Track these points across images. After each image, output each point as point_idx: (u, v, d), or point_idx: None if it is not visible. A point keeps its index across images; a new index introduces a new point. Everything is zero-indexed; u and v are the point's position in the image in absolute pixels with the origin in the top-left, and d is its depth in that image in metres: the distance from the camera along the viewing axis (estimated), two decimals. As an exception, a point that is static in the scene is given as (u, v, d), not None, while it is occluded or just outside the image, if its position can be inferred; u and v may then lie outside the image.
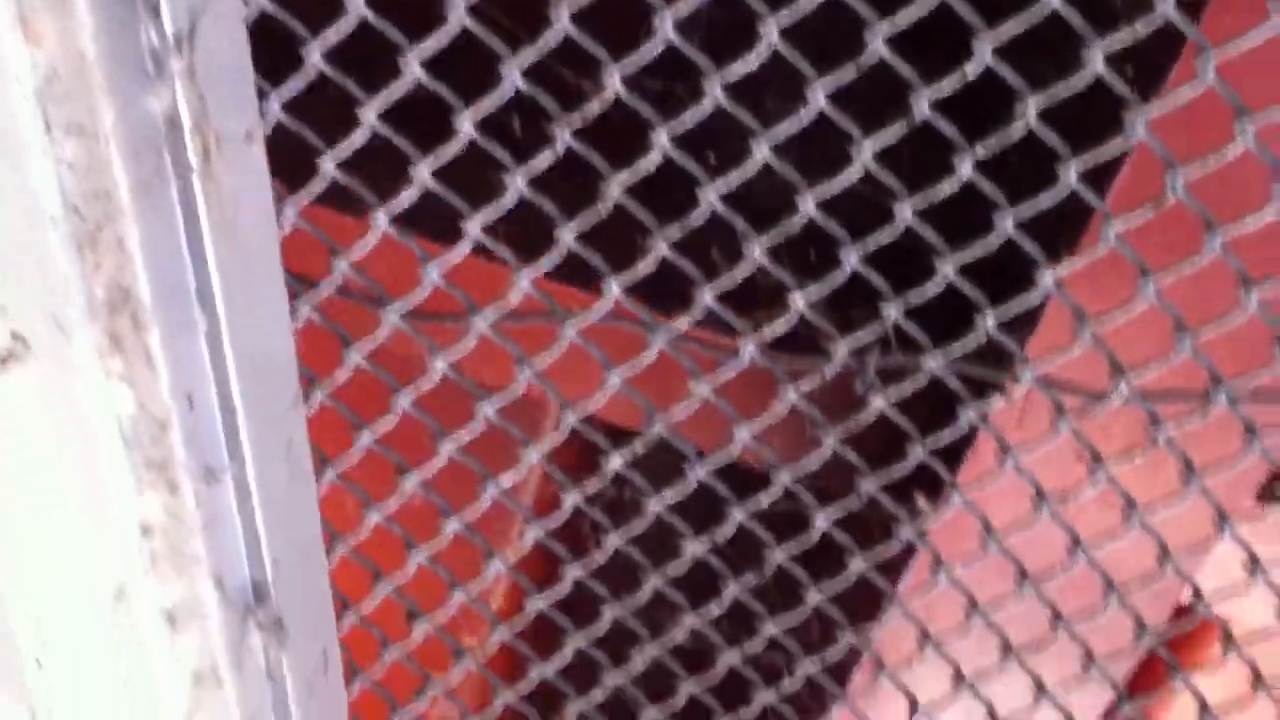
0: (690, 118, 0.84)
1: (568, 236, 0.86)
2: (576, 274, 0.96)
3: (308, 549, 0.84)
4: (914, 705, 1.17)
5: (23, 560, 0.68)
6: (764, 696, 1.13)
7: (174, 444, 0.68)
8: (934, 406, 1.01)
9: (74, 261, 0.61)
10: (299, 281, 0.91)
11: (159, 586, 0.71)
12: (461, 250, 0.86)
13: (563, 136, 0.83)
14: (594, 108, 0.80)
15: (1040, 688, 1.13)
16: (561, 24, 0.80)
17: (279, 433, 0.77)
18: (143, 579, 0.70)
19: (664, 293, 0.94)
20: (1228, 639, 1.13)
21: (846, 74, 0.83)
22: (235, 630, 0.77)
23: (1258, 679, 1.15)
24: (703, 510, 1.08)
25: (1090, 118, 0.85)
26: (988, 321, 0.90)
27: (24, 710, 0.69)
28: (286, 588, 0.80)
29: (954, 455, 1.08)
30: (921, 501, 0.99)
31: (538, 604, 1.04)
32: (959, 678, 1.14)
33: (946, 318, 0.95)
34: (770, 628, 1.08)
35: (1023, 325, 1.03)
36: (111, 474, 0.66)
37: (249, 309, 0.70)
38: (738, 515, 1.01)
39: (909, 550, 1.11)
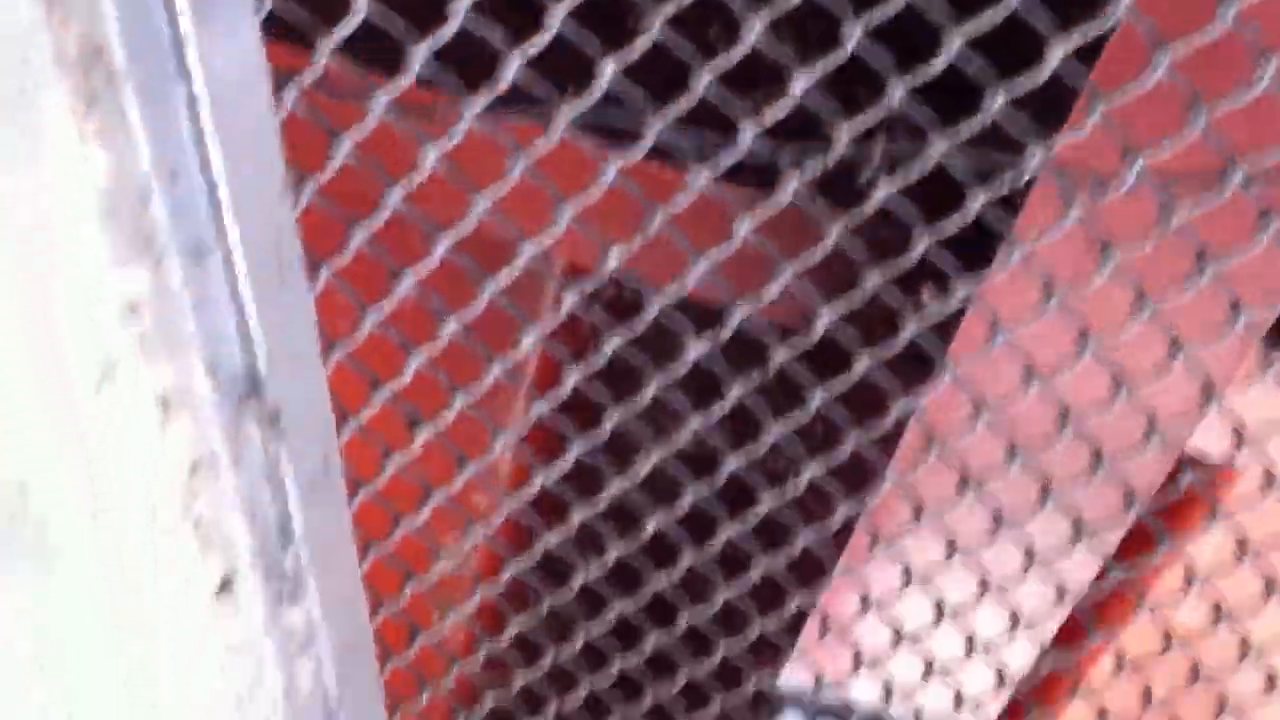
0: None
1: (560, 12, 0.83)
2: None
3: (303, 345, 0.82)
4: (908, 574, 1.17)
5: None
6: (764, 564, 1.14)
7: (156, 217, 0.66)
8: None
9: (40, 9, 0.59)
10: (282, 75, 0.89)
11: (149, 369, 0.70)
12: (451, 27, 0.82)
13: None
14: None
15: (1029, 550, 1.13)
16: None
17: (268, 220, 0.75)
18: (132, 360, 0.69)
19: (660, 81, 0.91)
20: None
21: None
22: (230, 420, 0.76)
23: (1240, 548, 1.15)
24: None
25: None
26: (997, 100, 0.87)
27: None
28: (282, 382, 0.78)
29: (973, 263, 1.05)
30: (927, 294, 0.96)
31: (541, 408, 1.03)
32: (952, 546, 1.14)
33: (959, 103, 0.92)
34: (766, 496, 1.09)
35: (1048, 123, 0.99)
36: (92, 245, 0.64)
37: (229, 81, 0.68)
38: (731, 324, 0.99)
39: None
